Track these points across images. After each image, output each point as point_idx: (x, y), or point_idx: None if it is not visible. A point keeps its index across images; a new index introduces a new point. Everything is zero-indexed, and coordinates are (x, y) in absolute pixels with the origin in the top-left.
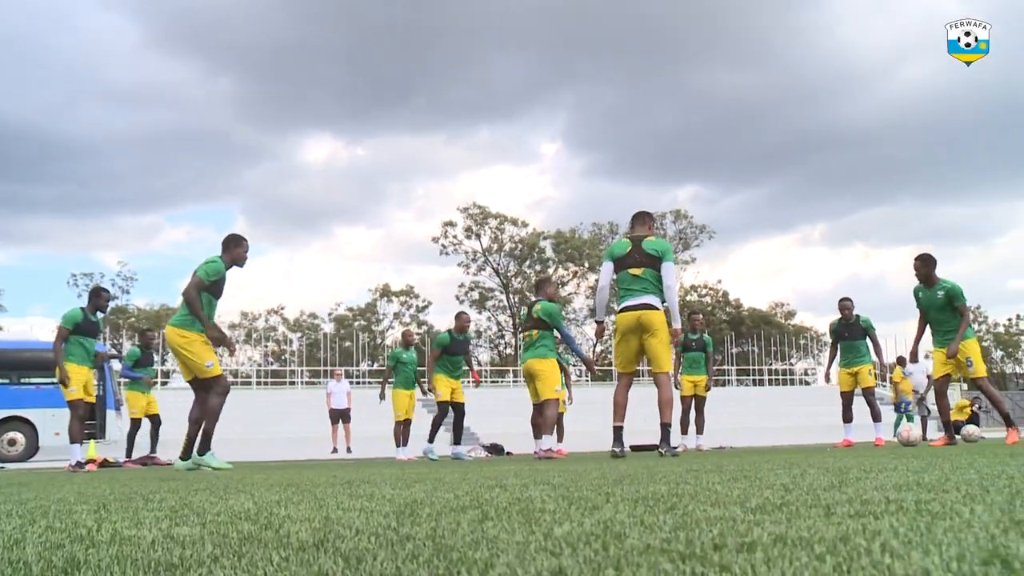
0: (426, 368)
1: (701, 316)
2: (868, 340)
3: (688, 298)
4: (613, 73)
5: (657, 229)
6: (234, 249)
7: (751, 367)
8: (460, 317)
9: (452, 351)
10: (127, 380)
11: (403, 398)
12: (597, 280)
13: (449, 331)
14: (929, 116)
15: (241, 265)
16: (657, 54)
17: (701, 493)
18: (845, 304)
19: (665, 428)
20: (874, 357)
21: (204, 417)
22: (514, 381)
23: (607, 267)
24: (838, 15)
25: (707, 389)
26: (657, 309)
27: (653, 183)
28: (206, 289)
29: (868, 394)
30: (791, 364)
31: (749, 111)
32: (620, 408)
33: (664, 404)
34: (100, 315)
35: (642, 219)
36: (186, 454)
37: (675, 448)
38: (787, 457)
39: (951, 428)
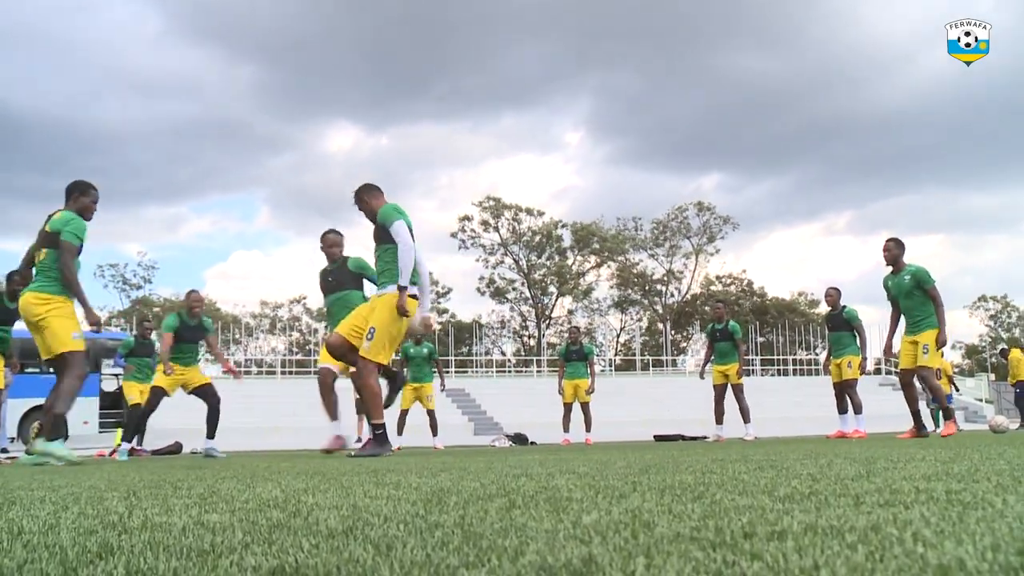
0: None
1: (722, 304)
2: (854, 331)
3: (713, 288)
4: (635, 59)
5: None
6: (81, 198)
7: (776, 357)
8: (190, 296)
9: (184, 338)
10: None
11: (406, 391)
12: (412, 250)
13: (179, 313)
14: (954, 102)
15: (87, 219)
16: (680, 39)
17: (728, 482)
18: (828, 293)
19: (380, 427)
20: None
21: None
22: (537, 371)
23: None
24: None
25: (739, 376)
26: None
27: (677, 172)
28: (78, 254)
29: (846, 386)
30: (816, 354)
31: (774, 97)
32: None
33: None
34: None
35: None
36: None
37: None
38: (813, 447)
39: (919, 419)
